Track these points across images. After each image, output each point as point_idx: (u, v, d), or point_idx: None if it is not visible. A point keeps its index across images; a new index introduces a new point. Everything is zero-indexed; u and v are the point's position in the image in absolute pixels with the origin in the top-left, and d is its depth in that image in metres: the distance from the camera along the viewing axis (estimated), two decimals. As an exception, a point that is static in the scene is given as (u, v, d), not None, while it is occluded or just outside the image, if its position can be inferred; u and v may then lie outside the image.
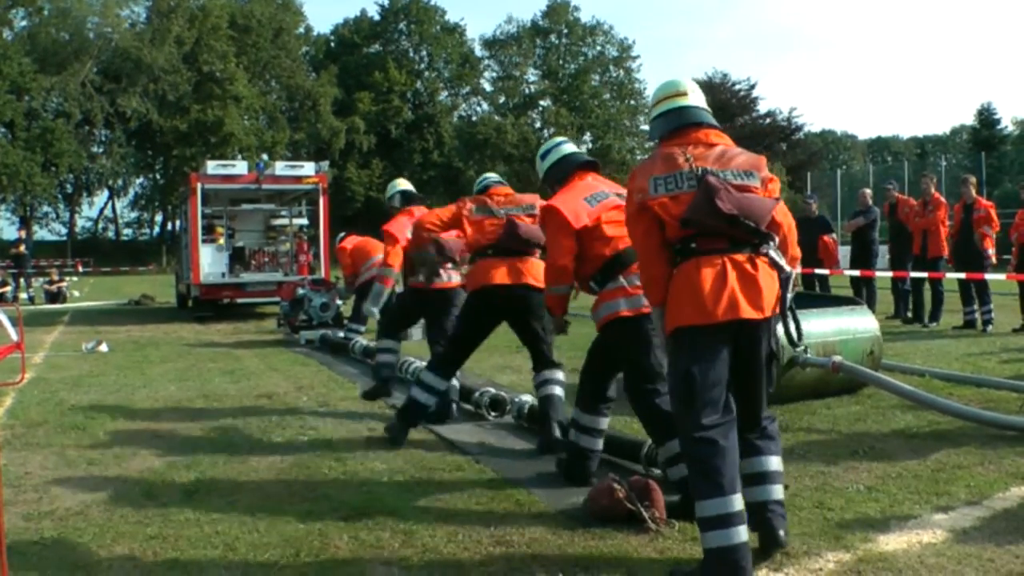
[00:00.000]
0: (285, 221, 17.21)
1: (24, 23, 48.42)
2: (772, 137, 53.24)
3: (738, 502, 3.05)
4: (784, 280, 3.29)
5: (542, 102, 59.30)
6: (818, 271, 12.53)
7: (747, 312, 3.13)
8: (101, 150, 52.67)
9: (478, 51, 61.68)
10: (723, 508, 3.02)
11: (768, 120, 54.22)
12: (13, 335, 3.66)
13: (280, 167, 15.75)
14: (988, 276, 10.59)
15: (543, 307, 4.83)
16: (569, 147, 4.78)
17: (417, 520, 3.86)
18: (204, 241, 14.83)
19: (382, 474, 4.65)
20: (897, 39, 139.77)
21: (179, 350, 10.67)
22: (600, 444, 4.43)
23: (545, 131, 58.13)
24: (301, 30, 58.24)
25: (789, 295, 3.36)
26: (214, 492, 4.38)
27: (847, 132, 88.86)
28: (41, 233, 52.89)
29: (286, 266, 16.33)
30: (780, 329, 3.51)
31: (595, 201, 4.28)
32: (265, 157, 44.96)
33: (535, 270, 5.25)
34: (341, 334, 10.33)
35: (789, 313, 3.45)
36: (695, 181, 3.21)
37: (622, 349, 4.14)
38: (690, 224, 3.19)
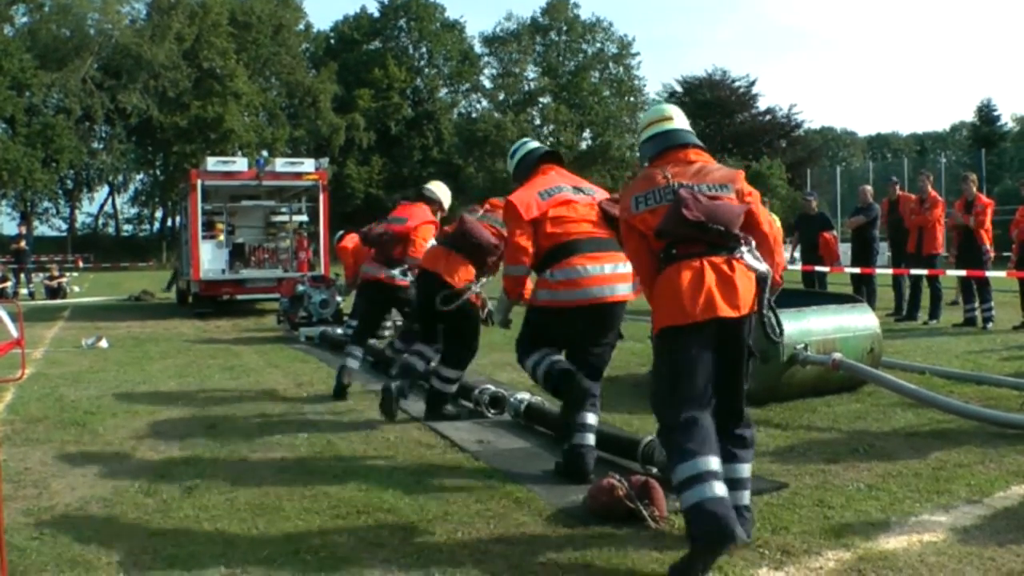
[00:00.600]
0: (285, 218, 17.20)
1: (25, 19, 48.61)
2: (772, 134, 53.30)
3: (714, 463, 3.18)
4: (761, 280, 3.47)
5: (542, 99, 59.35)
6: (818, 268, 12.52)
7: (724, 311, 3.30)
8: (101, 146, 52.70)
9: (478, 48, 61.83)
10: (696, 469, 3.15)
11: (768, 117, 54.27)
12: (13, 331, 3.65)
13: (280, 164, 15.73)
14: (989, 273, 10.58)
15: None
16: (532, 144, 5.13)
17: (416, 518, 3.85)
18: (204, 237, 14.82)
19: (381, 471, 4.64)
20: (897, 36, 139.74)
21: (179, 346, 10.67)
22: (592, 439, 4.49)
23: (545, 128, 58.16)
24: (301, 27, 58.27)
25: (768, 294, 3.55)
26: (213, 489, 4.37)
27: (847, 129, 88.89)
28: (41, 229, 52.99)
29: (286, 263, 16.35)
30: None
31: (547, 196, 4.63)
32: (265, 154, 44.98)
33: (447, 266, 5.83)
34: (340, 331, 10.32)
35: (769, 311, 3.66)
36: (671, 195, 3.47)
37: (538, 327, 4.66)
38: (663, 235, 3.44)
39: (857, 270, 12.05)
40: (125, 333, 12.29)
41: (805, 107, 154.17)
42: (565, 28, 59.69)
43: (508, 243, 4.70)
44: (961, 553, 3.32)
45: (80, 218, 57.58)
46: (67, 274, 24.86)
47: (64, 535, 3.72)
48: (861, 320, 6.74)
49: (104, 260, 42.04)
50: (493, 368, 8.15)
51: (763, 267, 3.47)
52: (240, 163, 15.74)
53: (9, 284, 20.50)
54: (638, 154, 4.01)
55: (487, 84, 62.23)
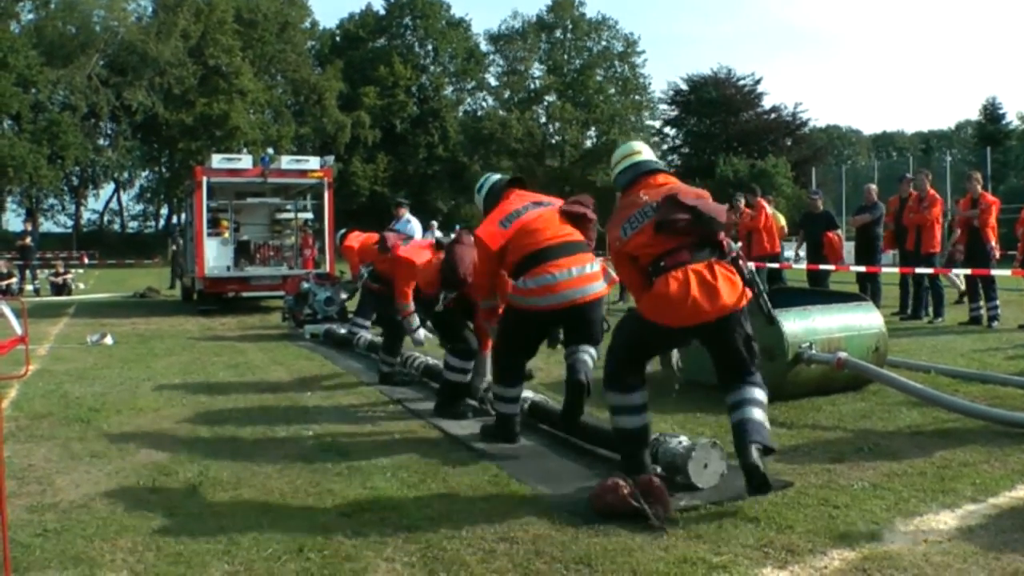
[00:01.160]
0: (290, 215, 17.21)
1: (31, 16, 48.59)
2: (777, 132, 53.10)
3: (640, 397, 4.10)
4: (748, 280, 3.97)
5: (547, 97, 59.21)
6: (823, 267, 12.49)
7: (707, 317, 3.85)
8: (107, 143, 52.72)
9: (483, 46, 61.64)
10: (626, 401, 4.10)
11: (773, 115, 54.05)
12: (18, 327, 3.66)
13: (285, 161, 15.76)
14: (994, 271, 10.55)
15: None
16: (495, 177, 5.63)
17: (420, 516, 3.85)
18: (209, 235, 14.84)
19: (386, 469, 4.64)
20: (902, 34, 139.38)
21: (184, 343, 10.68)
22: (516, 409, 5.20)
23: (550, 125, 58.11)
24: (307, 24, 58.20)
25: (760, 287, 4.13)
26: (217, 486, 4.38)
27: (852, 127, 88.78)
28: (47, 225, 53.00)
29: (291, 260, 16.35)
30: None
31: (508, 222, 5.03)
32: (270, 151, 44.79)
33: None
34: (344, 330, 10.32)
35: (761, 303, 4.21)
36: (652, 212, 3.99)
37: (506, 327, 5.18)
38: (663, 227, 3.90)
39: (862, 268, 12.02)
40: (130, 330, 12.31)
41: (810, 105, 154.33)
42: (571, 26, 59.54)
43: (479, 279, 5.26)
44: (966, 552, 3.31)
45: (85, 215, 57.75)
46: (72, 271, 24.88)
47: (68, 532, 3.73)
48: (866, 319, 6.72)
49: (109, 257, 42.05)
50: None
51: (748, 269, 3.98)
52: (245, 160, 15.79)
53: (15, 280, 20.54)
54: (613, 184, 4.52)
55: (492, 82, 62.19)
